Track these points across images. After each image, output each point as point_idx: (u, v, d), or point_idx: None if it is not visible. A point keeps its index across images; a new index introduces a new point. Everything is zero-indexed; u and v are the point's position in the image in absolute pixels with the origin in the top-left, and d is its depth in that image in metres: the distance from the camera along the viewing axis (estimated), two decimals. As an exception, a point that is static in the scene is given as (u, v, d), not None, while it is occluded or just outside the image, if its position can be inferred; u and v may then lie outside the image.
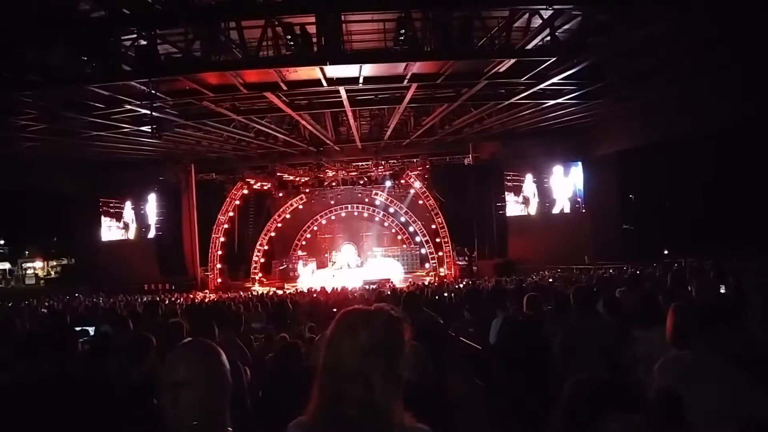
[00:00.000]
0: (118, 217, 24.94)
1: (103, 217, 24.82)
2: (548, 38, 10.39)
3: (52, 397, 2.31)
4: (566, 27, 10.46)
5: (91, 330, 6.95)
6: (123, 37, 9.56)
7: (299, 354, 3.41)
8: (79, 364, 3.03)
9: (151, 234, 24.36)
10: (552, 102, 15.48)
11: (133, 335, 3.26)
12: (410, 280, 22.63)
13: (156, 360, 2.95)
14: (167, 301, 14.40)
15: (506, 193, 23.58)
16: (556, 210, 23.81)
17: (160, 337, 3.22)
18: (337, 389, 1.38)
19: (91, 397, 2.38)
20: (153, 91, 11.32)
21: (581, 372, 3.91)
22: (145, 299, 16.13)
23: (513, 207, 23.72)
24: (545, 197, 23.93)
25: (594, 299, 4.87)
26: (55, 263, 37.05)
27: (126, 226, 24.86)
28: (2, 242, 37.44)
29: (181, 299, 16.46)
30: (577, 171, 23.82)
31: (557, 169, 23.71)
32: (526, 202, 23.78)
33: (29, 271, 35.11)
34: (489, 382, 5.52)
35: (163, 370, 1.54)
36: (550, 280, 15.02)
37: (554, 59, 11.48)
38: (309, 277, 24.55)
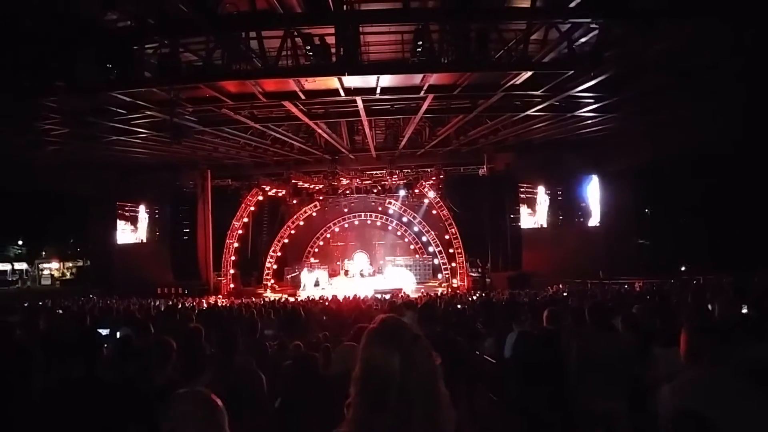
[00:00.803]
0: (133, 220, 25.24)
1: (118, 221, 25.09)
2: (565, 51, 10.39)
3: (82, 399, 2.37)
4: (583, 40, 10.47)
5: (105, 332, 7.06)
6: (146, 46, 9.78)
7: (316, 363, 3.44)
8: (104, 366, 3.08)
9: (166, 238, 24.58)
10: (568, 114, 15.45)
11: (155, 339, 3.32)
12: (422, 290, 22.56)
13: (177, 364, 3.01)
14: (180, 306, 14.53)
15: (520, 205, 23.50)
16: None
17: (180, 342, 3.27)
18: (377, 402, 1.37)
19: (119, 399, 2.44)
20: (174, 98, 11.51)
21: (597, 387, 3.90)
22: (158, 303, 16.28)
23: (527, 219, 23.63)
24: (558, 210, 23.81)
25: (610, 315, 4.83)
26: (70, 265, 37.56)
27: (141, 230, 25.15)
28: (20, 242, 38.06)
29: (195, 304, 16.57)
30: (593, 184, 23.71)
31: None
32: (538, 214, 23.69)
33: (45, 272, 35.57)
34: (503, 396, 5.49)
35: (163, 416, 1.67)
36: (565, 294, 14.90)
37: (571, 72, 11.47)
38: (311, 287, 23.91)
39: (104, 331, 7.08)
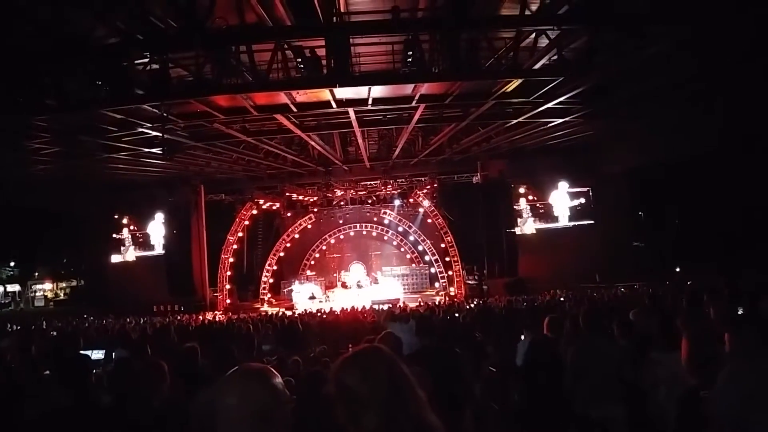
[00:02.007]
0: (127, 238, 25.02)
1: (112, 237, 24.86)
2: (555, 58, 10.43)
3: (73, 426, 2.30)
4: (573, 46, 10.51)
5: (101, 353, 6.96)
6: (136, 62, 9.72)
7: (325, 381, 3.36)
8: (101, 390, 3.01)
9: (160, 255, 24.39)
10: (560, 120, 15.50)
11: (147, 361, 3.25)
12: (420, 299, 22.47)
13: (173, 385, 2.94)
14: (176, 323, 14.38)
15: (515, 210, 23.50)
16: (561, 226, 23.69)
17: (177, 361, 3.20)
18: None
19: (113, 424, 2.36)
20: (165, 114, 11.46)
21: (592, 392, 3.86)
22: (155, 321, 16.12)
23: (523, 225, 23.63)
24: (549, 214, 23.86)
25: (604, 320, 4.81)
26: (64, 285, 37.11)
27: (135, 247, 24.94)
28: (12, 264, 37.59)
29: (191, 320, 16.42)
30: (586, 188, 23.76)
31: (562, 186, 23.64)
32: (525, 218, 23.71)
33: (38, 293, 35.14)
34: (505, 404, 5.44)
35: (214, 396, 1.54)
36: (562, 299, 14.88)
37: (561, 79, 11.52)
38: (305, 301, 23.63)
39: (100, 353, 6.99)
